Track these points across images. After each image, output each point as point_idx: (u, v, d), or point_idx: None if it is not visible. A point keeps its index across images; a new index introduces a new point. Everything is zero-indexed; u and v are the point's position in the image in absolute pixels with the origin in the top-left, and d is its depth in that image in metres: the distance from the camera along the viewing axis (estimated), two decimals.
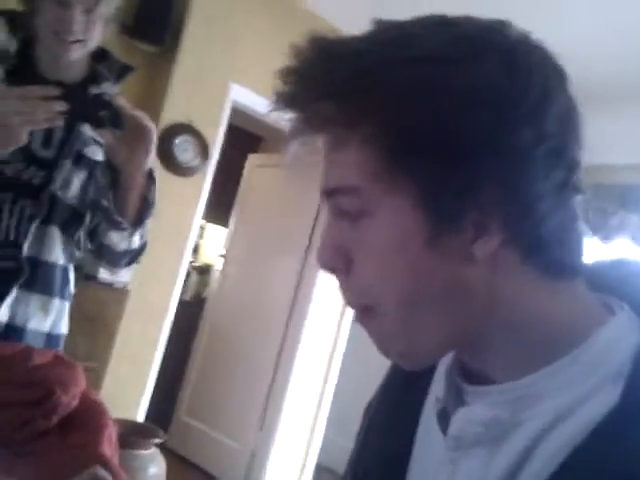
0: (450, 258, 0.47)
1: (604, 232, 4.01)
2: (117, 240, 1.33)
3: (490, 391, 0.50)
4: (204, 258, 5.22)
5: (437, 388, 0.57)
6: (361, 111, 0.47)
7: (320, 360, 3.68)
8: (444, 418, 0.54)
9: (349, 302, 0.53)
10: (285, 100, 0.49)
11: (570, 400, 0.46)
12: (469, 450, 0.50)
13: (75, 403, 1.04)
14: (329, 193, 0.51)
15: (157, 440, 2.44)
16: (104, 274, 2.49)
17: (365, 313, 0.52)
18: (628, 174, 3.94)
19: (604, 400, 0.45)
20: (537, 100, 0.45)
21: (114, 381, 2.59)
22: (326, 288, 3.61)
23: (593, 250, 3.68)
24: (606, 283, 0.53)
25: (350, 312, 3.74)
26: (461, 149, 0.45)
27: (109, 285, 2.60)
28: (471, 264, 0.47)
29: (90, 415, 1.05)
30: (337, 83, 0.47)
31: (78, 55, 1.31)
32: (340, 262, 0.51)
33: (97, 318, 2.33)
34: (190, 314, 4.08)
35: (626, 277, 0.54)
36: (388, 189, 0.47)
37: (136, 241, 1.37)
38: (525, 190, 0.45)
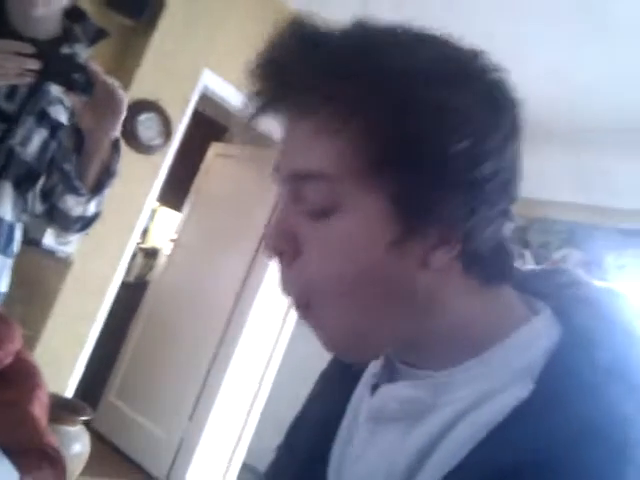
0: (406, 262, 0.49)
1: (545, 264, 4.15)
2: (72, 205, 1.31)
3: (416, 373, 0.54)
4: (152, 241, 5.13)
5: (375, 365, 0.60)
6: (351, 107, 0.48)
7: (259, 358, 3.66)
8: (373, 391, 0.56)
9: (286, 290, 0.54)
10: (265, 76, 0.50)
11: (484, 390, 0.49)
12: (387, 424, 0.54)
13: (8, 361, 1.01)
14: (296, 176, 0.51)
15: (84, 418, 2.37)
16: (48, 241, 2.44)
17: (304, 308, 0.53)
18: (575, 212, 4.09)
19: (515, 393, 0.48)
20: (503, 137, 0.49)
21: (46, 352, 2.52)
22: (273, 287, 3.61)
23: None
24: (538, 286, 0.58)
25: (294, 313, 3.74)
26: (438, 166, 0.47)
27: (52, 253, 2.55)
28: (423, 270, 0.50)
29: (23, 374, 1.01)
30: (327, 74, 0.48)
31: (43, 12, 1.27)
32: (288, 247, 0.52)
33: (36, 285, 2.26)
34: (131, 296, 4.00)
35: (559, 282, 0.58)
36: (364, 187, 0.49)
37: (91, 209, 1.34)
38: (480, 213, 0.49)
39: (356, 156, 0.48)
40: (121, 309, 3.49)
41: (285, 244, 0.52)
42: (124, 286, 3.21)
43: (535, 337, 0.51)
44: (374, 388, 0.57)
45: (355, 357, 0.56)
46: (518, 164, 0.52)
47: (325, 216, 0.50)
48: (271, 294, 3.61)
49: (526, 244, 4.18)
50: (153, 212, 4.89)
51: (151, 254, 4.88)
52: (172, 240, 4.19)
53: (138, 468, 3.54)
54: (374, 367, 0.60)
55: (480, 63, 0.50)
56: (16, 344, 1.05)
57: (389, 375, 0.56)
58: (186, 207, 4.17)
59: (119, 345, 3.97)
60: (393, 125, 0.47)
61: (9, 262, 1.36)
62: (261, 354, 3.68)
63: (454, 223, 0.48)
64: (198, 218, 4.05)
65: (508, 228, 0.53)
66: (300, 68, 0.49)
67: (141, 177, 2.94)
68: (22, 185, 1.33)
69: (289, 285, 0.53)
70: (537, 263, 4.17)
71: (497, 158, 0.49)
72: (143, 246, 4.89)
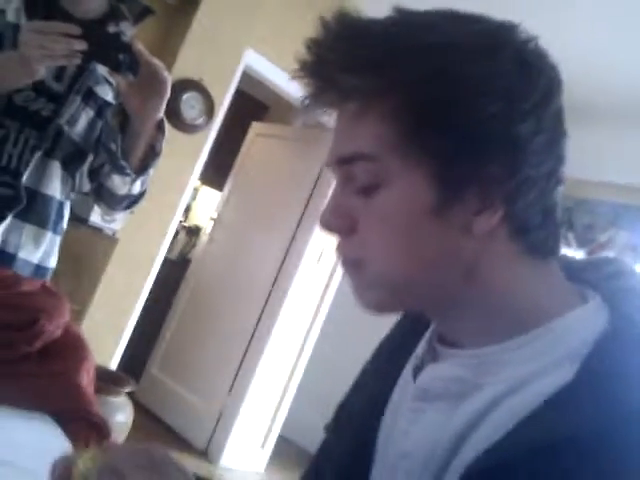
0: (450, 228, 0.51)
1: (590, 247, 4.06)
2: (118, 184, 1.34)
3: (458, 354, 0.55)
4: (194, 219, 5.22)
5: (420, 348, 0.62)
6: (385, 87, 0.51)
7: (297, 334, 3.71)
8: (418, 373, 0.58)
9: (342, 257, 0.57)
10: (309, 69, 0.52)
11: (528, 372, 0.50)
12: (432, 403, 0.55)
13: (58, 333, 1.06)
14: (344, 160, 0.54)
15: (127, 389, 2.46)
16: (96, 218, 2.51)
17: (354, 266, 0.55)
18: (620, 193, 3.99)
19: (560, 376, 0.48)
20: (540, 98, 0.50)
21: (92, 325, 2.61)
22: (312, 263, 3.64)
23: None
24: (587, 276, 0.58)
25: (332, 290, 3.77)
26: (473, 130, 0.49)
27: (99, 230, 2.62)
28: (467, 235, 0.51)
29: (71, 346, 1.06)
30: (363, 58, 0.51)
31: None
32: (344, 226, 0.55)
33: (83, 261, 2.33)
34: (173, 273, 4.09)
35: (607, 273, 0.58)
36: (404, 161, 0.51)
37: (137, 188, 1.37)
38: (522, 174, 0.50)
39: (394, 132, 0.51)
40: (164, 285, 3.58)
41: (341, 222, 0.55)
42: (167, 263, 3.29)
43: (585, 322, 0.51)
44: (417, 370, 0.59)
45: (383, 309, 0.58)
46: (561, 125, 0.53)
47: (373, 192, 0.53)
48: (310, 271, 3.64)
49: (570, 226, 4.10)
50: (195, 191, 4.96)
51: (193, 232, 4.97)
52: (213, 218, 4.25)
53: (179, 438, 3.64)
54: (420, 349, 0.61)
55: (513, 32, 0.52)
56: (65, 318, 1.10)
57: (432, 356, 0.58)
58: (227, 186, 4.22)
59: (162, 319, 4.08)
60: (426, 97, 0.50)
61: (58, 239, 1.41)
62: (299, 329, 3.72)
63: (495, 186, 0.50)
64: (239, 197, 4.09)
65: (558, 193, 0.53)
66: (339, 56, 0.51)
67: (184, 156, 2.99)
68: (70, 164, 1.37)
69: (346, 256, 0.56)
70: (581, 245, 4.08)
71: (535, 119, 0.50)
72: (185, 224, 4.98)
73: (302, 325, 3.73)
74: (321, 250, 3.65)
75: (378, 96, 0.51)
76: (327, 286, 3.76)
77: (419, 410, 0.56)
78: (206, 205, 5.18)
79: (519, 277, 0.52)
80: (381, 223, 0.53)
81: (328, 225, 0.56)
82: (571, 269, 0.57)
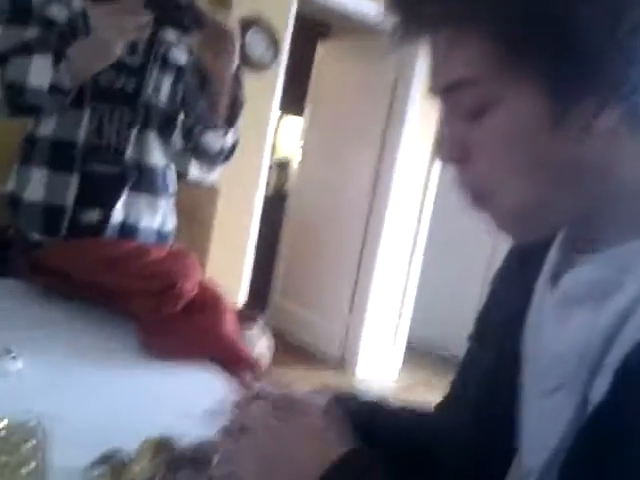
0: (569, 138, 0.50)
1: None
2: (212, 140, 1.39)
3: (596, 257, 0.54)
4: (281, 152, 5.27)
5: (551, 258, 0.62)
6: (477, 6, 0.49)
7: (404, 239, 3.76)
8: (555, 281, 0.58)
9: (466, 189, 0.57)
10: (397, 1, 0.52)
11: None
12: (574, 308, 0.55)
13: (196, 290, 1.14)
14: (448, 89, 0.54)
15: (259, 322, 2.62)
16: (194, 172, 2.60)
17: (481, 199, 0.56)
18: None
19: None
20: None
21: (215, 272, 2.77)
22: (406, 170, 3.62)
23: None
24: None
25: (430, 197, 3.74)
26: (580, 38, 0.47)
27: (199, 183, 2.72)
28: (590, 141, 0.50)
29: (210, 300, 1.15)
30: None
31: None
32: (458, 154, 0.55)
33: (192, 215, 2.45)
34: (274, 209, 4.21)
35: None
36: (510, 79, 0.50)
37: (230, 140, 1.43)
38: (634, 70, 0.48)
39: (495, 52, 0.49)
40: (269, 221, 3.70)
41: (455, 152, 0.55)
42: (266, 200, 3.40)
43: None
44: (553, 279, 0.59)
45: (530, 236, 0.58)
46: None
47: (483, 115, 0.52)
48: (405, 176, 3.63)
49: None
50: (277, 124, 4.99)
51: (283, 165, 5.04)
52: (299, 147, 4.28)
53: (313, 358, 3.86)
54: (551, 260, 0.61)
55: None
56: (198, 275, 1.18)
57: (569, 264, 0.57)
58: (306, 112, 4.21)
59: (274, 253, 4.25)
60: (516, 12, 0.48)
61: (171, 202, 1.50)
62: (405, 237, 3.76)
63: (609, 84, 0.48)
64: (319, 120, 4.09)
65: None
66: None
67: (260, 93, 3.00)
68: (164, 131, 1.44)
69: (466, 185, 0.56)
70: None
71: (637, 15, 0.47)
72: (274, 159, 5.05)
73: (408, 231, 3.76)
74: (413, 154, 3.62)
75: (471, 18, 0.50)
76: (426, 187, 3.74)
77: (563, 315, 0.56)
78: (290, 135, 5.20)
79: None
80: (497, 145, 0.52)
81: (444, 157, 0.56)
82: None
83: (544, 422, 0.57)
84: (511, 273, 0.70)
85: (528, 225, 0.56)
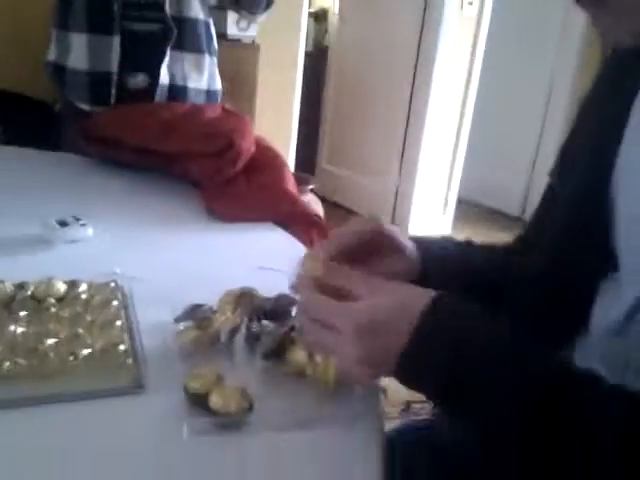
0: None
1: None
2: None
3: None
4: (318, 2, 4.96)
5: None
6: None
7: (454, 94, 3.58)
8: None
9: None
10: None
11: None
12: None
13: (253, 149, 1.11)
14: None
15: (311, 186, 2.61)
16: (232, 30, 2.49)
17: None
18: None
19: None
20: None
21: (262, 134, 2.73)
22: (454, 17, 3.37)
23: None
24: None
25: (483, 37, 3.50)
26: None
27: (238, 41, 2.60)
28: None
29: (268, 158, 1.12)
30: None
31: None
32: None
33: (235, 75, 2.37)
34: (314, 65, 4.03)
35: None
36: None
37: None
38: None
39: None
40: (310, 79, 3.56)
41: None
42: (307, 56, 3.26)
43: None
44: None
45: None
46: None
47: None
48: (453, 25, 3.39)
49: None
50: None
51: (320, 17, 4.76)
52: None
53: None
54: None
55: None
56: (252, 133, 1.14)
57: None
58: None
59: (318, 114, 4.14)
60: None
61: (215, 60, 1.44)
62: (455, 89, 3.58)
63: None
64: None
65: None
66: None
67: None
68: None
69: None
70: None
71: None
72: (310, 10, 4.77)
73: (458, 80, 3.57)
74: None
75: None
76: (476, 36, 3.49)
77: None
78: None
79: None
80: None
81: None
82: None
83: None
84: (607, 84, 0.64)
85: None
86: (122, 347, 0.61)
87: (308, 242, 1.00)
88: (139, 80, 1.30)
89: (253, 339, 0.66)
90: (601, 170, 0.60)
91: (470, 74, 3.55)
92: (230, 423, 0.54)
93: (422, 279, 0.67)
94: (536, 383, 0.47)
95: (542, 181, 0.73)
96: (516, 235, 0.79)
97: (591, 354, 0.63)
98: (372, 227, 0.66)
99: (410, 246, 0.68)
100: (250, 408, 0.55)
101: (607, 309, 0.60)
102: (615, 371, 0.55)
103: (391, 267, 0.66)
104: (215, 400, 0.54)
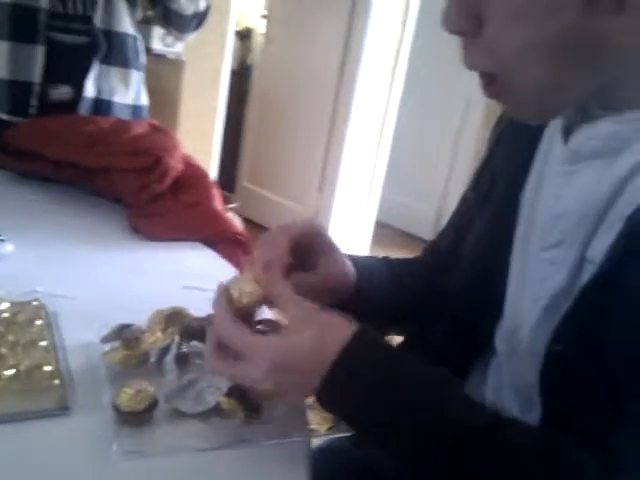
0: (600, 14, 0.46)
1: None
2: (185, 3, 1.31)
3: (613, 116, 0.52)
4: (243, 21, 4.99)
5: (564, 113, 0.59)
6: None
7: (374, 117, 3.68)
8: (566, 135, 0.57)
9: (471, 65, 0.53)
10: None
11: None
12: (584, 163, 0.54)
13: (181, 167, 1.11)
14: None
15: (231, 205, 2.61)
16: (157, 45, 2.46)
17: (490, 79, 0.52)
18: None
19: None
20: None
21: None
22: (375, 45, 3.49)
23: None
24: None
25: (403, 65, 3.63)
26: None
27: (162, 56, 2.58)
28: (617, 17, 0.46)
29: (196, 177, 1.12)
30: None
31: None
32: (470, 24, 0.50)
33: (158, 91, 2.34)
34: (238, 83, 4.04)
35: None
36: None
37: (202, 3, 1.34)
38: None
39: None
40: (232, 98, 3.57)
41: (465, 22, 0.50)
42: (231, 75, 3.26)
43: None
44: (565, 131, 0.57)
45: (543, 119, 0.57)
46: None
47: None
48: (375, 52, 3.50)
49: None
50: None
51: (245, 36, 4.78)
52: (263, 16, 4.05)
53: None
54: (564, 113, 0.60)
55: None
56: (181, 151, 1.14)
57: (581, 119, 0.56)
58: None
59: (239, 133, 4.13)
60: None
61: (142, 75, 1.42)
62: (375, 113, 3.68)
63: None
64: None
65: None
66: None
67: None
68: None
69: (473, 60, 0.52)
70: None
71: None
72: (236, 29, 4.79)
73: (378, 104, 3.67)
74: (384, 20, 3.47)
75: None
76: (398, 53, 3.61)
77: (569, 172, 0.56)
78: (250, 3, 4.90)
79: None
80: (516, 21, 0.48)
81: (451, 26, 0.51)
82: None
83: (537, 277, 0.59)
84: (518, 125, 0.68)
85: (544, 108, 0.54)
86: (47, 368, 0.60)
87: (234, 261, 1.01)
88: (63, 92, 1.27)
89: (183, 359, 0.67)
90: (506, 212, 0.64)
91: (389, 99, 3.67)
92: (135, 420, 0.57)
93: (358, 283, 0.69)
94: (450, 429, 0.49)
95: (454, 206, 0.79)
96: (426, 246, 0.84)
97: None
98: (310, 225, 0.67)
99: (340, 248, 0.69)
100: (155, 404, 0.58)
101: None
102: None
103: (327, 267, 0.67)
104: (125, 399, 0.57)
